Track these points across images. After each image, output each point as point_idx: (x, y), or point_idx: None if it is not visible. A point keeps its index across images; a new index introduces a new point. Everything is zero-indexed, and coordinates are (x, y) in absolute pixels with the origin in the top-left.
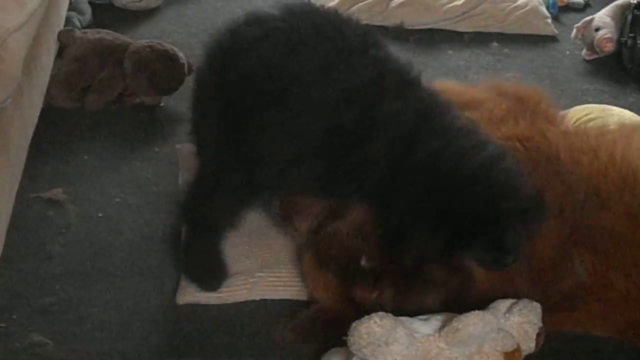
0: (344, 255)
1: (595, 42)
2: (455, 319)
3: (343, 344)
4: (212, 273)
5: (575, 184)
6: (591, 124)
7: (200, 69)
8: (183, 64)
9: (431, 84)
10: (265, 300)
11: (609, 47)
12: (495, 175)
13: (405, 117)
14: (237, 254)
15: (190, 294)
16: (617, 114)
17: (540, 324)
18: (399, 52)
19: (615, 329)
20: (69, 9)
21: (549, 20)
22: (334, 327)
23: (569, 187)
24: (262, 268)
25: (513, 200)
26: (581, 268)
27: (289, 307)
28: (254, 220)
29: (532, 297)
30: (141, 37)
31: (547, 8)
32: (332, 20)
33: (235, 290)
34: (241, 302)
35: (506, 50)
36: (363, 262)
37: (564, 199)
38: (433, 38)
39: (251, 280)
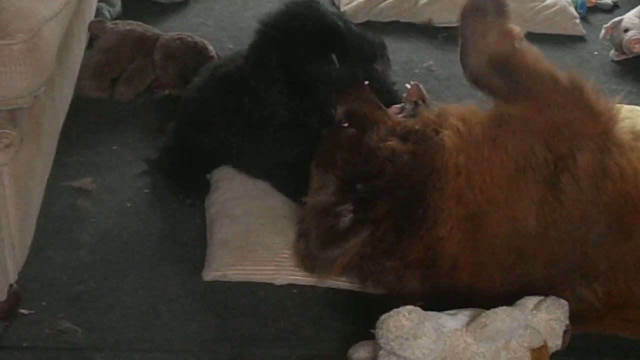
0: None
1: (624, 43)
2: (483, 314)
3: (371, 336)
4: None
5: (594, 214)
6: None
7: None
8: (212, 57)
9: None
10: (292, 286)
11: (638, 48)
12: None
13: None
14: (264, 230)
15: (216, 270)
16: None
17: (567, 322)
18: (426, 49)
19: None
20: (99, 0)
21: (577, 21)
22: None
23: (586, 218)
24: (289, 247)
25: None
26: (588, 294)
27: (315, 295)
28: (280, 202)
29: None
30: (170, 30)
31: (576, 8)
32: None
33: (261, 267)
34: (269, 291)
35: None
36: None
37: (577, 230)
38: None
39: (277, 259)
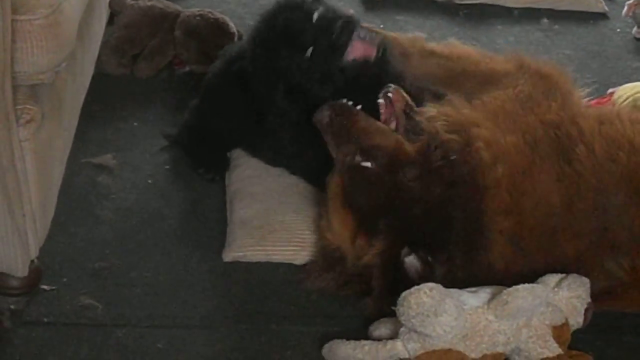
0: (366, 200)
1: None
2: (504, 291)
3: (392, 314)
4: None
5: (612, 184)
6: None
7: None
8: (233, 33)
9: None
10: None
11: None
12: None
13: None
14: (284, 209)
15: (236, 250)
16: None
17: (589, 299)
18: (448, 26)
19: None
20: None
21: None
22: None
23: (604, 187)
24: (309, 227)
25: None
26: (616, 268)
27: None
28: (299, 181)
29: None
30: (191, 7)
31: None
32: None
33: (281, 248)
34: (289, 270)
35: (556, 26)
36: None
37: (597, 199)
38: (482, 13)
39: (296, 239)
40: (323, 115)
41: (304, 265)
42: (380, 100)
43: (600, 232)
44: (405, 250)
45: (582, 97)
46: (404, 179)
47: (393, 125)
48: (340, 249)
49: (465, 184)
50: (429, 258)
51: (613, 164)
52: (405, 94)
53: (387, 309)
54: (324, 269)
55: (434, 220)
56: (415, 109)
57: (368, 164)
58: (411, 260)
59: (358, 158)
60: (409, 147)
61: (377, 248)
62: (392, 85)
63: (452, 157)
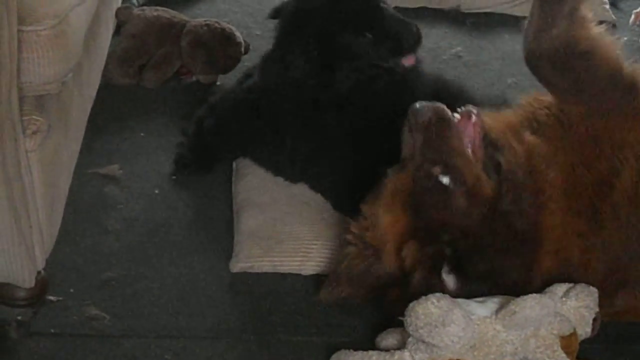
0: (433, 212)
1: None
2: (512, 301)
3: (399, 324)
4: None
5: (636, 235)
6: None
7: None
8: (239, 43)
9: None
10: (319, 276)
11: None
12: None
13: None
14: (291, 219)
15: (243, 261)
16: None
17: (597, 309)
18: (454, 35)
19: None
20: None
21: (607, 7)
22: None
23: (628, 245)
24: (316, 237)
25: None
26: (627, 299)
27: None
28: (305, 190)
29: None
30: (197, 17)
31: None
32: None
33: (289, 259)
34: (296, 280)
35: None
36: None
37: (618, 260)
38: (489, 22)
39: (303, 249)
40: (424, 114)
41: (321, 277)
42: (458, 115)
43: (621, 279)
44: (446, 267)
45: None
46: (474, 216)
47: (469, 149)
48: (371, 258)
49: (527, 238)
50: (467, 280)
51: (638, 213)
52: (484, 121)
53: None
54: (345, 282)
55: (489, 256)
56: (493, 140)
57: (447, 181)
58: (449, 278)
59: (437, 169)
60: (487, 185)
61: (424, 257)
62: (475, 108)
63: (523, 207)
